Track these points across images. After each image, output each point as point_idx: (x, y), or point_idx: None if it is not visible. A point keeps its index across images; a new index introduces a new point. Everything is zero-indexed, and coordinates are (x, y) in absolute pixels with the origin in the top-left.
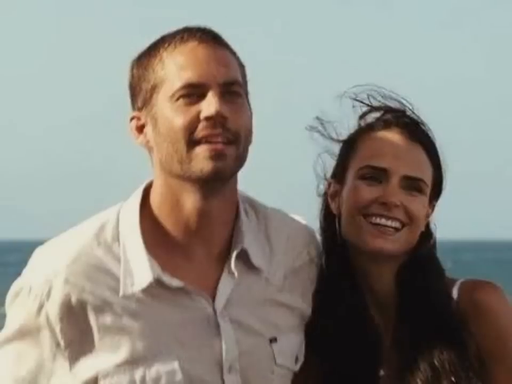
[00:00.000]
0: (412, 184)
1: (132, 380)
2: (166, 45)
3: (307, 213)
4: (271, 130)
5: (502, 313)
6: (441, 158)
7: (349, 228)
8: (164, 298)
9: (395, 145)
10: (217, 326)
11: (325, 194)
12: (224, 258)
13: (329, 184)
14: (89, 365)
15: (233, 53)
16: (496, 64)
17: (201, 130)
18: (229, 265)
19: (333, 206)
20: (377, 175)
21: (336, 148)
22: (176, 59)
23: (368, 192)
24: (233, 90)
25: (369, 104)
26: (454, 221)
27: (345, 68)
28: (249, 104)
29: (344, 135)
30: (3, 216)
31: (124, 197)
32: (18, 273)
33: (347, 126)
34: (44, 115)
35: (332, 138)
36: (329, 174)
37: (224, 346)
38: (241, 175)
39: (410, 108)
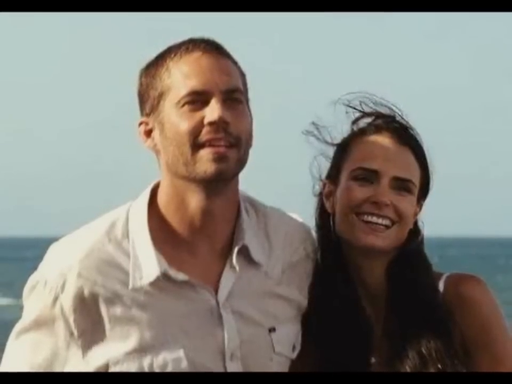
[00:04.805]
0: (401, 185)
1: (140, 367)
2: (172, 55)
3: (303, 212)
4: (269, 134)
5: (485, 304)
6: (429, 160)
7: (343, 226)
8: (170, 291)
9: (385, 148)
10: (220, 316)
11: (320, 194)
12: (226, 254)
13: (324, 185)
14: (100, 353)
15: (235, 62)
16: (480, 73)
17: (205, 135)
18: (231, 260)
19: (327, 205)
20: (368, 176)
21: (331, 151)
22: (181, 68)
23: (360, 192)
24: (235, 97)
25: (362, 110)
26: (440, 219)
27: (339, 77)
28: (249, 110)
29: (338, 139)
30: (21, 214)
31: (132, 197)
32: (34, 268)
33: (341, 130)
34: (58, 121)
35: (326, 142)
36: (324, 175)
37: (226, 336)
38: (242, 176)
39: (400, 113)
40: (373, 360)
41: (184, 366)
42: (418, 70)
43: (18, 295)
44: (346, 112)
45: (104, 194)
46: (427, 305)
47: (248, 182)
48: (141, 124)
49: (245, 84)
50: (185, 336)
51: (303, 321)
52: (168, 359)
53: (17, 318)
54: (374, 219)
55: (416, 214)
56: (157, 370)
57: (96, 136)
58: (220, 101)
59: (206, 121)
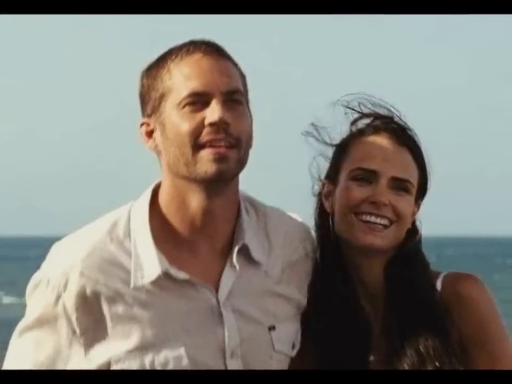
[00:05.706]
0: (399, 185)
1: (142, 365)
2: (173, 57)
3: (303, 212)
4: (269, 135)
5: (482, 302)
6: (426, 160)
7: (342, 225)
8: (171, 289)
9: (384, 149)
10: (220, 315)
11: (319, 194)
12: (226, 253)
13: (323, 185)
14: (102, 351)
15: (235, 64)
16: (477, 75)
17: (205, 135)
18: (231, 259)
19: (326, 205)
20: (367, 177)
21: (330, 152)
22: (182, 70)
23: (359, 192)
24: (235, 98)
25: (360, 111)
26: (438, 218)
27: (338, 78)
28: (249, 111)
29: (337, 139)
30: (24, 214)
31: (134, 197)
32: (37, 267)
33: (340, 131)
34: (61, 122)
35: (325, 143)
36: (323, 176)
37: (226, 334)
38: (242, 176)
39: (398, 114)
40: (371, 358)
41: (185, 364)
42: (416, 72)
43: (21, 293)
44: (345, 113)
45: (106, 194)
46: (425, 304)
47: (248, 182)
48: (142, 124)
49: (245, 85)
50: (186, 334)
51: (303, 320)
52: (169, 357)
53: (20, 316)
54: (373, 219)
55: (414, 214)
56: (158, 368)
57: (98, 136)
58: (220, 102)
59: (206, 122)
